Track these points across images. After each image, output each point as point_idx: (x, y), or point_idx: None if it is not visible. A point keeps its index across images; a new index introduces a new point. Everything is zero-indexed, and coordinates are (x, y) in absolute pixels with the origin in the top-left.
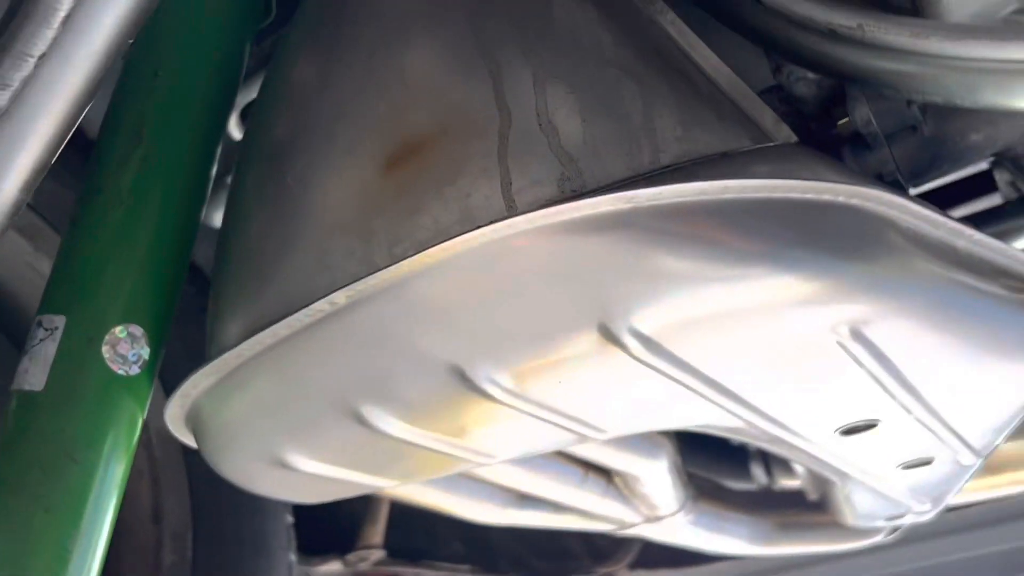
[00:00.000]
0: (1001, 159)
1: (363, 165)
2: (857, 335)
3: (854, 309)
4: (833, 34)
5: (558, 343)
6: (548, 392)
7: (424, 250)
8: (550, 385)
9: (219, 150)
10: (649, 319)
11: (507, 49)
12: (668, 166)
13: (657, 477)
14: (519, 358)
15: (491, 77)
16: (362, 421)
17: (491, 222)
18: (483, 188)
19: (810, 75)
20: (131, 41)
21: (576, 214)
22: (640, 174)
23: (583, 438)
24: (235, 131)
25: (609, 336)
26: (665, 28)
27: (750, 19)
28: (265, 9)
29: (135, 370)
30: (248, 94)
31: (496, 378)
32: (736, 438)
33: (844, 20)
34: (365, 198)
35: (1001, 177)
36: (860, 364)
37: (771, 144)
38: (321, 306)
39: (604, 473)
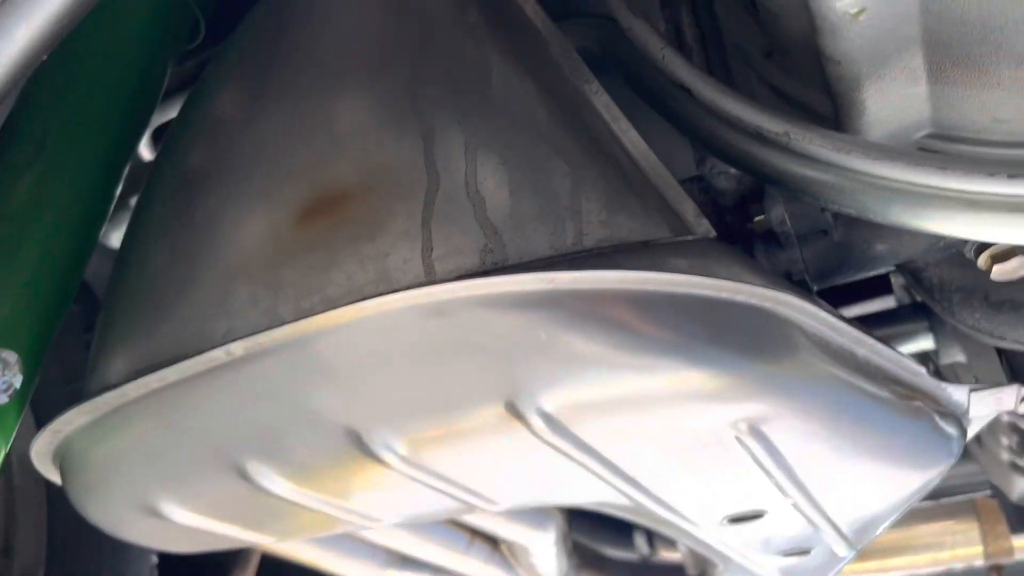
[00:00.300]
0: (902, 268)
1: (279, 211)
2: (755, 431)
3: (756, 407)
4: (760, 137)
5: (462, 415)
6: (445, 462)
7: (335, 307)
8: (448, 455)
9: (127, 169)
10: (557, 399)
11: (442, 113)
12: (591, 249)
13: (544, 548)
14: (420, 427)
15: (423, 139)
16: (245, 476)
17: (409, 286)
18: (403, 250)
19: (732, 170)
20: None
21: (495, 289)
22: (563, 254)
23: (474, 508)
24: (147, 152)
25: (515, 412)
26: (598, 108)
27: (680, 110)
28: (193, 30)
29: (3, 399)
30: (165, 114)
31: (393, 445)
32: (625, 516)
33: (772, 126)
34: (277, 246)
35: (896, 281)
36: (755, 459)
37: (691, 238)
38: (217, 355)
39: (491, 540)
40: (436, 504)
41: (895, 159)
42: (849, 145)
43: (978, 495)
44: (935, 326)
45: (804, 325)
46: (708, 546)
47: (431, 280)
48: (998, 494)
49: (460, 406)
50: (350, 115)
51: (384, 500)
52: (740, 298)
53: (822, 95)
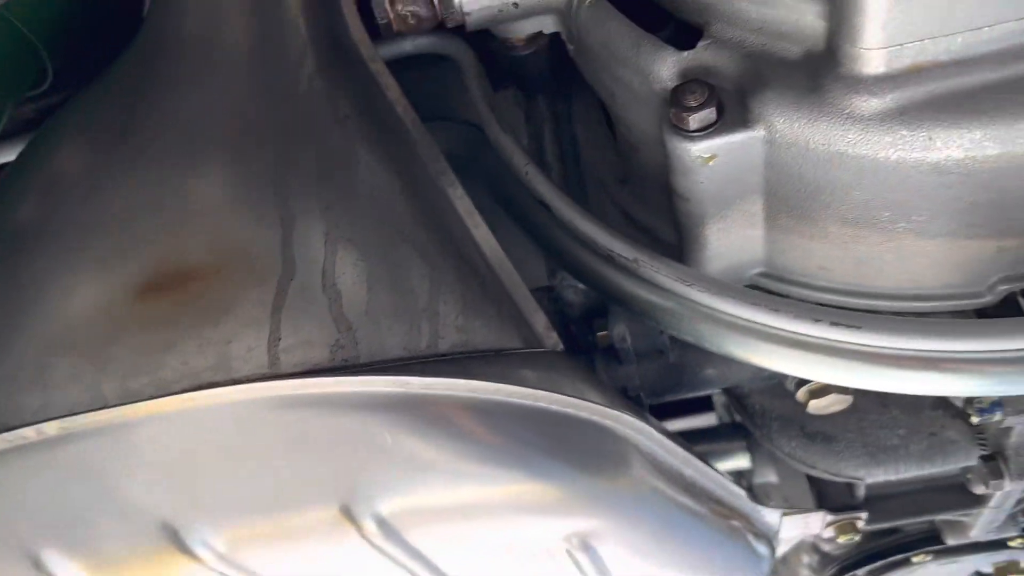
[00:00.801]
0: (728, 392)
1: (115, 282)
2: (586, 546)
3: (589, 521)
4: (611, 260)
5: (292, 514)
6: (264, 563)
7: (166, 392)
8: (269, 556)
9: None
10: (395, 504)
11: (305, 201)
12: (444, 354)
13: None
14: (244, 523)
15: (282, 226)
16: (39, 567)
17: (249, 377)
18: (248, 338)
19: (580, 285)
20: None
21: (345, 388)
22: (416, 356)
23: None
24: None
25: (349, 515)
26: (459, 212)
27: (537, 224)
28: (40, 72)
29: None
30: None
31: (211, 541)
32: None
33: (623, 251)
34: (109, 319)
35: (718, 400)
36: (583, 573)
37: (541, 350)
38: (27, 433)
39: None
40: None
41: (733, 297)
42: (692, 279)
43: None
44: (752, 447)
45: (639, 444)
46: None
47: (275, 372)
48: None
49: (291, 505)
50: (207, 191)
51: None
52: (583, 414)
53: (668, 225)
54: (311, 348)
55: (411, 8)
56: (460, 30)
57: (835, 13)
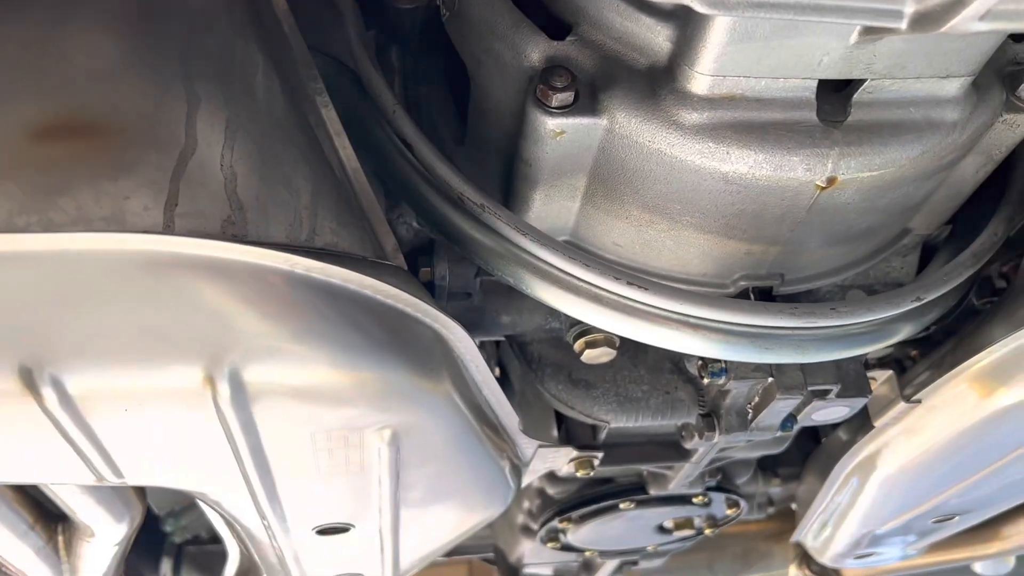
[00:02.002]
0: (510, 338)
1: (8, 119)
2: (395, 441)
3: (407, 417)
4: (459, 203)
5: (154, 372)
6: (107, 422)
7: (54, 232)
8: (115, 418)
9: None
10: (254, 374)
11: (210, 87)
12: (320, 249)
13: (105, 541)
14: (103, 375)
15: (187, 104)
16: None
17: (145, 231)
18: (145, 197)
19: (413, 224)
20: None
21: (237, 256)
22: (297, 245)
23: (102, 480)
24: None
25: (211, 380)
26: (326, 122)
27: (389, 161)
28: None
29: None
30: None
31: (64, 383)
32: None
33: (473, 196)
34: (2, 155)
35: None
36: (381, 469)
37: (392, 264)
38: None
39: (49, 529)
40: (58, 464)
41: (555, 250)
42: (526, 229)
43: (476, 557)
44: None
45: (461, 355)
46: (280, 556)
47: (168, 232)
48: (497, 558)
49: (155, 361)
50: (116, 53)
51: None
52: (425, 319)
53: (495, 187)
54: (204, 219)
55: None
56: None
57: (682, 40)
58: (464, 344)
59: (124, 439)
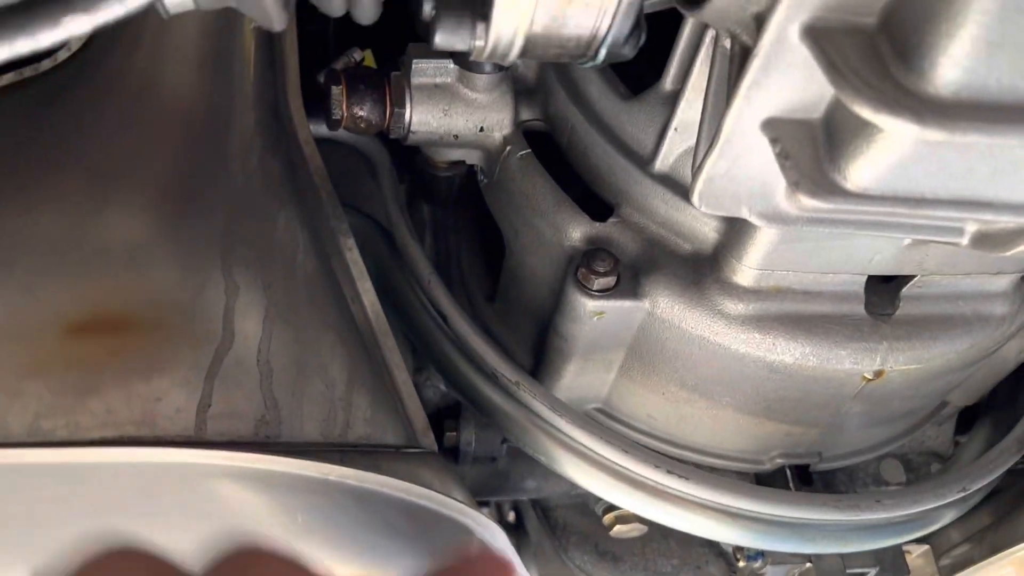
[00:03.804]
0: (534, 502)
1: (41, 312)
2: None
3: None
4: (493, 378)
5: None
6: None
7: (82, 437)
8: None
9: None
10: None
11: (249, 275)
12: (355, 444)
13: None
14: None
15: (226, 294)
16: None
17: (175, 439)
18: (177, 398)
19: (441, 386)
20: None
21: (273, 466)
22: (330, 443)
23: None
24: None
25: None
26: (363, 301)
27: (421, 326)
28: None
29: None
30: None
31: None
32: None
33: (507, 373)
34: (29, 350)
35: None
36: None
37: (431, 451)
38: None
39: None
40: None
41: (592, 433)
42: (563, 411)
43: None
44: (521, 549)
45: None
46: None
47: (200, 438)
48: None
49: None
50: (154, 241)
51: None
52: (461, 518)
53: (524, 348)
54: (238, 420)
55: (365, 114)
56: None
57: (730, 233)
58: (500, 541)
59: None
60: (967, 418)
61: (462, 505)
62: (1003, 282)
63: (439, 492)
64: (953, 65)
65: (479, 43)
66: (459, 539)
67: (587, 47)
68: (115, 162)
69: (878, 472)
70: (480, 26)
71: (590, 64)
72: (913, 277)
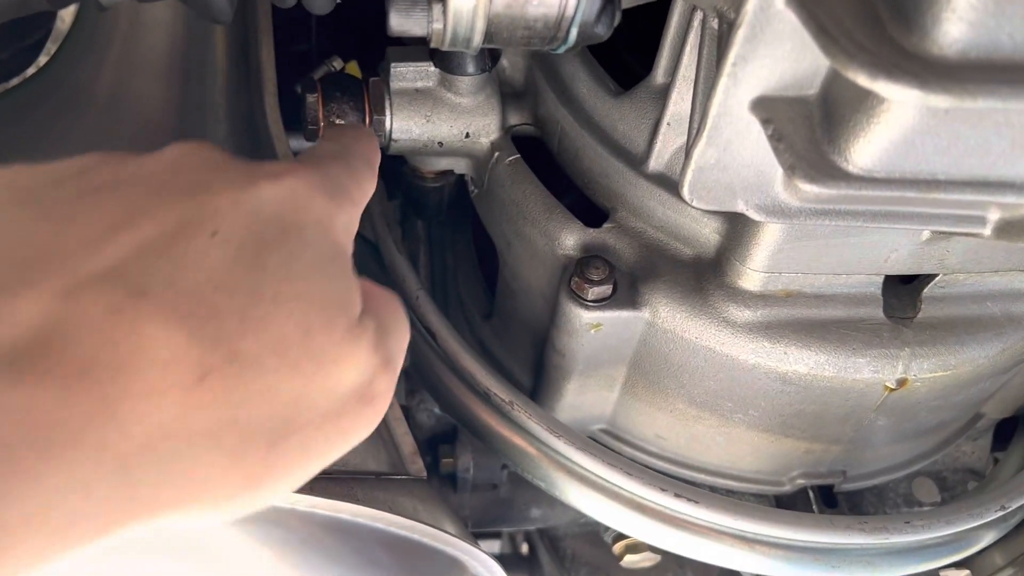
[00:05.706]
0: (541, 531)
1: None
2: None
3: None
4: (486, 398)
5: None
6: None
7: None
8: None
9: None
10: None
11: None
12: (330, 472)
13: None
14: None
15: None
16: None
17: None
18: None
19: (435, 410)
20: None
21: None
22: None
23: None
24: None
25: None
26: None
27: (414, 342)
28: None
29: None
30: None
31: None
32: None
33: (501, 392)
34: None
35: (505, 530)
36: None
37: (416, 478)
38: None
39: None
40: None
41: (593, 455)
42: (560, 431)
43: None
44: None
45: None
46: None
47: None
48: None
49: None
50: None
51: None
52: (450, 550)
53: (524, 367)
54: None
55: (343, 122)
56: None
57: (732, 234)
58: (490, 570)
59: None
60: (1005, 432)
61: (451, 537)
62: None
63: (426, 523)
64: (958, 20)
65: (437, 26)
66: (449, 574)
67: (556, 27)
68: None
69: (909, 491)
70: (436, 7)
71: (563, 48)
72: (935, 276)
